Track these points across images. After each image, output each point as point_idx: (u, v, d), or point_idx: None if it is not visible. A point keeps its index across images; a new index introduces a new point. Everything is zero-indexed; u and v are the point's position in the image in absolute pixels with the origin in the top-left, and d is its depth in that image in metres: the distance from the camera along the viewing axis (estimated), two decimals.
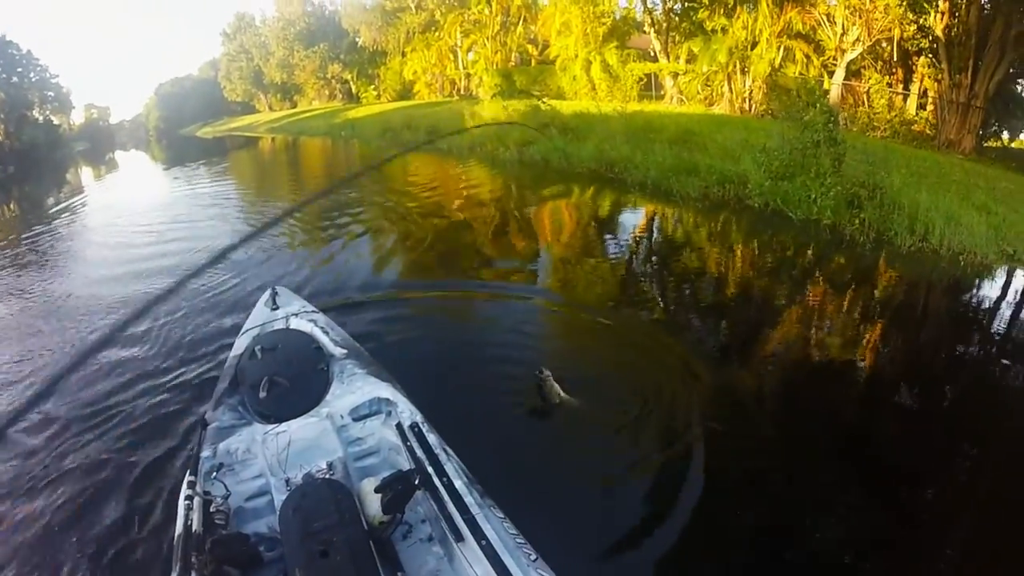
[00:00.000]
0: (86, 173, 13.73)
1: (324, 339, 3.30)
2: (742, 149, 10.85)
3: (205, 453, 2.40)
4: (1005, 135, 18.07)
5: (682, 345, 5.05)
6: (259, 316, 3.70)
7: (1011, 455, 3.61)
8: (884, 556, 2.79)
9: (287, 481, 2.25)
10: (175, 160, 16.22)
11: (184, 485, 2.12)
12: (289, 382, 2.87)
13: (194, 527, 1.92)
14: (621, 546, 2.73)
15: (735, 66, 19.34)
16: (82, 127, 55.37)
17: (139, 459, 3.30)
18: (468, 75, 34.24)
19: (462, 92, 34.50)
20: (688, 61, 21.40)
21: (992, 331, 5.77)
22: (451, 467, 2.27)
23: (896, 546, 2.86)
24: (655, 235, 8.93)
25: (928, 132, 16.21)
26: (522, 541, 1.99)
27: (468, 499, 2.09)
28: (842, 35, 16.92)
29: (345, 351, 3.19)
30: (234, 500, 2.18)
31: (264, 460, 2.37)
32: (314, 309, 3.78)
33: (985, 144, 17.26)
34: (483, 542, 1.92)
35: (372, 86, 42.58)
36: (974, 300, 6.58)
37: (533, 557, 1.91)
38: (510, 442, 3.43)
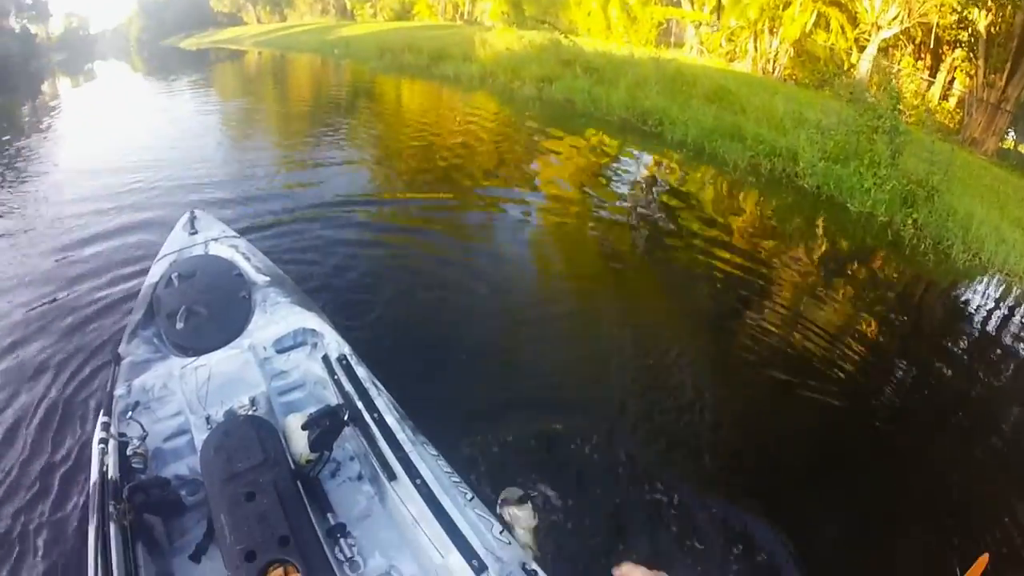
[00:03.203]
0: (63, 83, 12.79)
1: (245, 265, 3.10)
2: (787, 118, 10.18)
3: (119, 391, 2.23)
4: (1011, 135, 17.79)
5: (695, 318, 4.70)
6: (176, 241, 3.44)
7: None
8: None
9: (208, 419, 2.13)
10: (154, 71, 15.25)
11: (98, 427, 1.99)
12: (208, 311, 2.69)
13: (110, 472, 1.81)
14: (561, 487, 2.58)
15: (764, 24, 18.45)
16: (61, 37, 51.27)
17: (49, 400, 3.03)
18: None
19: (465, 17, 32.26)
20: (714, 12, 20.27)
21: None
22: (381, 402, 2.17)
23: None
24: (703, 205, 8.16)
25: (950, 125, 15.90)
26: (457, 479, 1.95)
27: (400, 436, 2.02)
28: (881, 11, 16.17)
29: (268, 278, 3.00)
30: (152, 441, 2.05)
31: (183, 396, 2.24)
32: (235, 234, 3.55)
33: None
34: (417, 481, 1.86)
35: (368, 3, 39.60)
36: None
37: (469, 496, 1.88)
38: (445, 378, 3.31)
